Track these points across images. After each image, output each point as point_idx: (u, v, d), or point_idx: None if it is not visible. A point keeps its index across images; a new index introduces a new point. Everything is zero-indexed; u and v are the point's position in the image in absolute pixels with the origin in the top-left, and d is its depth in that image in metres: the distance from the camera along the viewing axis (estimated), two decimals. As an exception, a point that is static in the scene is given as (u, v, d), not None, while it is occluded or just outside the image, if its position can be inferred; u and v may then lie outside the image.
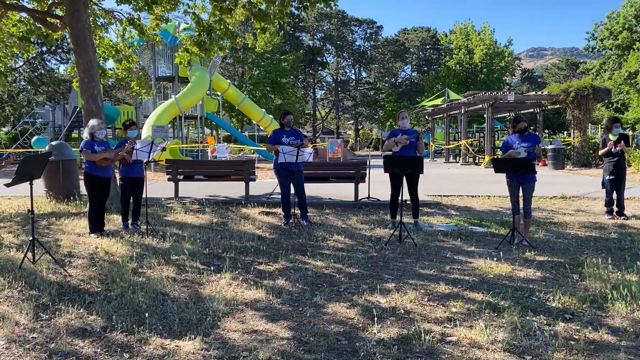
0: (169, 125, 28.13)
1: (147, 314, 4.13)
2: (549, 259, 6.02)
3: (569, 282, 5.12)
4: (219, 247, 6.46)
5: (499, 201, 10.86)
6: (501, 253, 6.12)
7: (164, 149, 7.52)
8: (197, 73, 25.51)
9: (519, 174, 6.68)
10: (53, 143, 9.87)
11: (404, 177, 7.45)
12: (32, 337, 3.76)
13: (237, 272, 5.36)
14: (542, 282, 5.16)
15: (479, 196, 11.47)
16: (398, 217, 7.97)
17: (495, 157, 8.26)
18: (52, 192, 9.61)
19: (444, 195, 11.42)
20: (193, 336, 3.75)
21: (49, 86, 34.32)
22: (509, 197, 7.02)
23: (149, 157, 6.96)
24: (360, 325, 4.00)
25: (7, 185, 5.21)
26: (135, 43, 21.85)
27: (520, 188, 6.88)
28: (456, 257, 6.09)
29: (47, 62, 36.60)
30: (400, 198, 7.14)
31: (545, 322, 4.09)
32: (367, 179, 10.29)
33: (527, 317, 4.15)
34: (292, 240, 6.95)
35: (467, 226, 7.99)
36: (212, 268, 5.50)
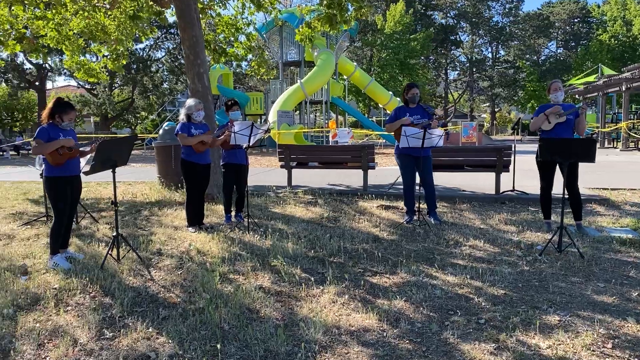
0: (295, 111, 27.99)
1: (221, 344, 3.18)
2: None
3: None
4: (326, 249, 5.38)
5: (689, 197, 8.48)
6: None
7: (267, 131, 6.62)
8: (323, 56, 24.90)
9: None
10: (165, 127, 9.55)
11: (558, 166, 5.82)
12: (85, 365, 3.01)
13: (343, 286, 4.24)
14: None
15: (658, 190, 9.12)
16: (554, 217, 6.32)
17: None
18: (165, 179, 9.31)
19: (611, 189, 9.23)
20: (276, 382, 2.72)
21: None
22: None
23: (249, 141, 6.06)
24: (513, 387, 2.67)
25: (86, 173, 4.59)
26: (255, 22, 21.74)
27: None
28: (646, 278, 4.39)
29: (186, 52, 38.55)
30: (562, 193, 5.45)
31: None
32: (511, 167, 8.57)
33: None
34: (416, 244, 5.63)
35: (653, 231, 6.06)
36: (313, 279, 4.43)
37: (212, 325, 3.49)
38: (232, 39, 11.26)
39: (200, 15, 9.55)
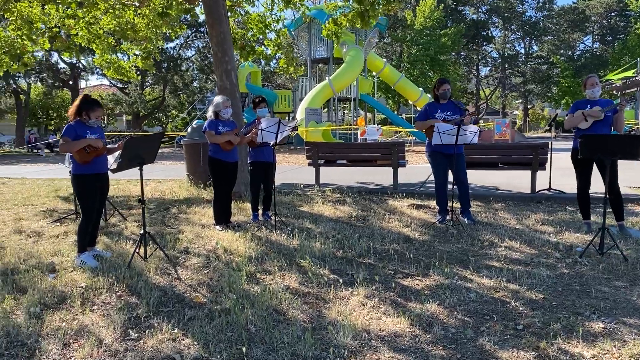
0: (324, 108, 27.87)
1: (246, 347, 3.09)
2: None
3: None
4: (355, 249, 5.24)
5: None
6: None
7: (294, 129, 6.49)
8: (352, 52, 24.70)
9: None
10: (194, 125, 9.55)
11: (596, 164, 5.56)
12: (109, 366, 2.95)
13: (373, 288, 4.10)
14: None
15: None
16: (594, 217, 6.04)
17: None
18: (193, 176, 9.30)
19: (653, 188, 8.83)
20: (302, 389, 2.61)
21: (218, 73, 36.52)
22: None
23: (276, 138, 5.96)
24: (556, 400, 2.49)
25: (113, 170, 4.56)
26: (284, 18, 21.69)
27: None
28: (697, 284, 4.12)
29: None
30: (605, 193, 5.17)
31: None
32: (548, 165, 8.25)
33: None
34: (449, 245, 5.45)
35: (702, 234, 5.72)
36: (342, 280, 4.30)
37: (239, 327, 3.40)
38: (261, 36, 11.20)
39: (229, 13, 9.51)
